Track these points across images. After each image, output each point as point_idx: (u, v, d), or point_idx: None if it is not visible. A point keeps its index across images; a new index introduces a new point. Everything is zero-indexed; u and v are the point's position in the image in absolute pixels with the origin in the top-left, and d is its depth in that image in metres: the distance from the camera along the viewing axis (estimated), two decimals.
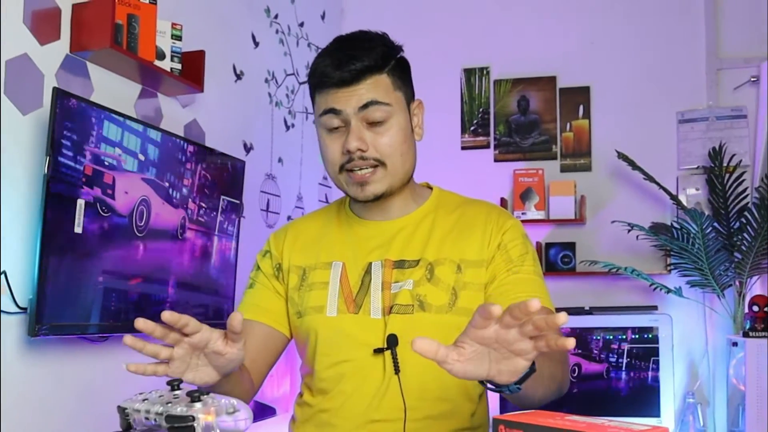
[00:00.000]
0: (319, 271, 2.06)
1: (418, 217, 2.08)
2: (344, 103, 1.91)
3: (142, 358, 3.29)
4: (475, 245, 2.00)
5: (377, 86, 1.93)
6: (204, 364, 1.65)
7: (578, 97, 5.47)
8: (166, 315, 1.51)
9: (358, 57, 1.91)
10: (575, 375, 4.78)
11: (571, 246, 5.25)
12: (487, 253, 1.99)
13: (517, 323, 1.32)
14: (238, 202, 3.86)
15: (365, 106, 1.91)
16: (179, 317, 1.53)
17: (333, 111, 1.93)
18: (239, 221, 3.88)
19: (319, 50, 2.02)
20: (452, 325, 1.91)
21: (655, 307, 5.06)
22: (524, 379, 1.46)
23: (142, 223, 3.15)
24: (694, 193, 5.18)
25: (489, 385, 1.52)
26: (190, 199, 3.45)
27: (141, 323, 1.51)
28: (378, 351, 1.93)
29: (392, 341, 1.90)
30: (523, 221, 5.03)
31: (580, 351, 4.79)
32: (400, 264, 2.00)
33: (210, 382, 1.66)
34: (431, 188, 2.18)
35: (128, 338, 1.55)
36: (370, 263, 2.02)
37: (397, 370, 1.89)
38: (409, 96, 2.05)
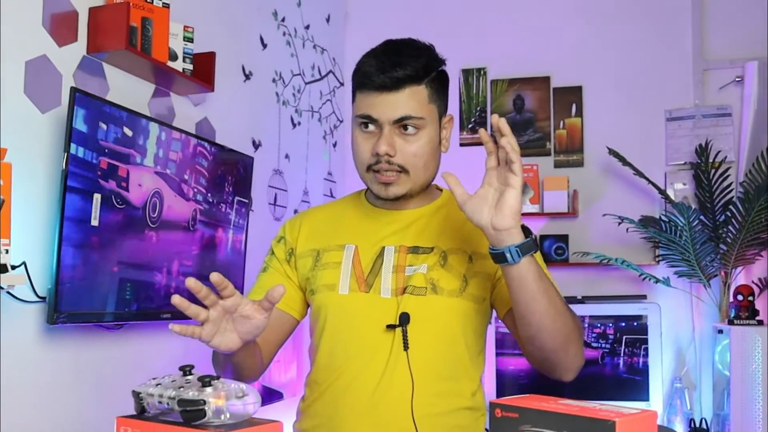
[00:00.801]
0: (332, 252, 2.07)
1: (431, 210, 2.10)
2: (380, 112, 1.93)
3: (156, 344, 3.30)
4: (485, 240, 1.99)
5: (414, 97, 1.94)
6: (230, 330, 1.68)
7: (571, 97, 5.46)
8: (215, 276, 1.62)
9: (402, 64, 1.92)
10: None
11: (564, 238, 5.25)
12: None
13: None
14: (247, 196, 3.85)
15: (400, 120, 1.92)
16: (223, 279, 1.62)
17: (369, 118, 1.94)
18: (248, 214, 3.88)
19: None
20: (462, 309, 1.97)
21: (644, 297, 5.07)
22: (524, 250, 1.73)
23: (155, 215, 3.15)
24: (681, 188, 5.17)
25: (491, 250, 1.76)
26: (201, 193, 3.45)
27: (192, 282, 1.62)
28: (390, 327, 1.94)
29: (404, 319, 1.93)
30: None
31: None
32: (414, 249, 2.02)
33: (233, 348, 1.69)
34: (440, 189, 2.19)
35: (176, 298, 1.66)
36: (383, 247, 2.04)
37: (406, 347, 1.90)
38: (443, 110, 2.05)
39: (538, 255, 1.83)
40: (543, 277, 1.79)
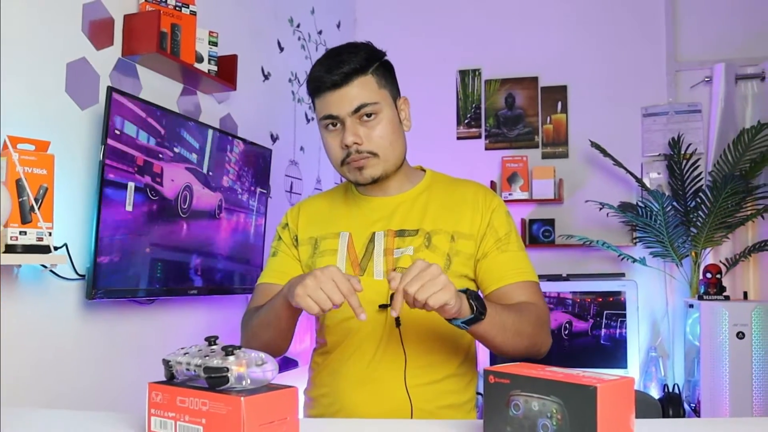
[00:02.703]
0: (329, 240, 2.07)
1: (414, 194, 2.08)
2: (338, 108, 1.93)
3: (184, 317, 3.30)
4: (467, 220, 2.01)
5: (364, 87, 1.93)
6: None
7: (557, 95, 5.46)
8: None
9: (345, 61, 1.92)
10: (567, 332, 4.81)
11: (550, 222, 5.24)
12: (477, 229, 2.00)
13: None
14: (265, 184, 3.85)
15: (357, 109, 1.92)
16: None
17: (330, 116, 1.95)
18: (267, 201, 3.87)
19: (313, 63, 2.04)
20: None
21: (622, 275, 5.07)
22: (470, 322, 1.69)
23: (185, 206, 3.15)
24: (656, 177, 5.17)
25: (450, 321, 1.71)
26: (225, 183, 3.44)
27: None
28: (383, 307, 1.94)
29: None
30: (509, 201, 5.13)
31: (568, 310, 4.80)
32: (401, 233, 2.00)
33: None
34: (424, 170, 2.18)
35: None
36: (374, 233, 2.02)
37: (398, 324, 1.90)
38: (395, 93, 2.04)
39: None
40: (498, 322, 1.77)
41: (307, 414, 2.09)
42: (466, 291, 1.69)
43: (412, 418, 1.89)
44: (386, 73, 2.02)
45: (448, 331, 1.91)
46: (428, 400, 1.93)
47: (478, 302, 1.70)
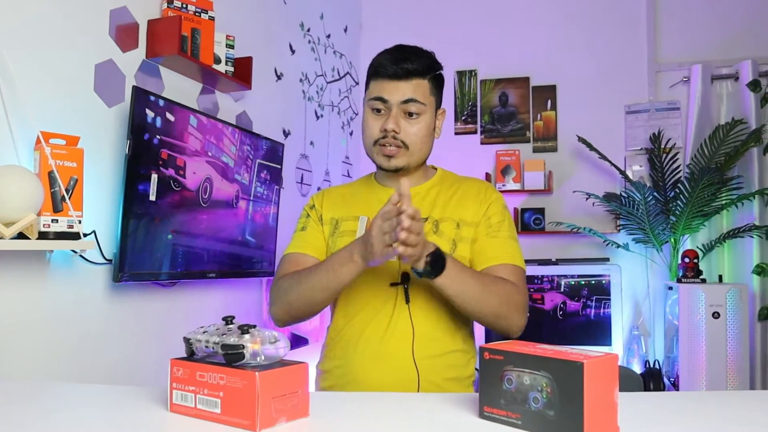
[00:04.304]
0: (349, 222, 2.10)
1: (427, 188, 2.12)
2: (391, 95, 1.98)
3: (203, 298, 3.30)
4: (471, 211, 2.05)
5: (418, 87, 2.00)
6: None
7: (547, 94, 5.45)
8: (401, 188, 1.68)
9: (411, 60, 1.98)
10: (561, 312, 4.82)
11: (541, 211, 5.24)
12: (478, 218, 2.04)
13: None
14: (278, 176, 3.84)
15: (407, 101, 1.98)
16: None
17: (381, 99, 2.00)
18: (279, 191, 3.87)
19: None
20: None
21: (607, 259, 5.07)
22: (422, 275, 1.76)
23: (206, 197, 3.15)
24: (638, 169, 5.16)
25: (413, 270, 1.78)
26: (241, 175, 3.44)
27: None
28: (394, 284, 1.98)
29: (405, 278, 1.97)
30: (503, 191, 5.13)
31: (562, 291, 4.81)
32: None
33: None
34: (436, 169, 2.21)
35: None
36: None
37: (407, 301, 1.95)
38: (438, 104, 2.10)
39: (454, 268, 1.82)
40: (457, 284, 1.82)
41: (320, 386, 2.10)
42: (434, 251, 1.75)
43: (419, 389, 1.91)
44: (438, 84, 2.08)
45: (453, 308, 1.92)
46: (435, 372, 1.95)
47: (435, 262, 1.75)
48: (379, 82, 2.00)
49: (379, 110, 2.00)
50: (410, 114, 1.98)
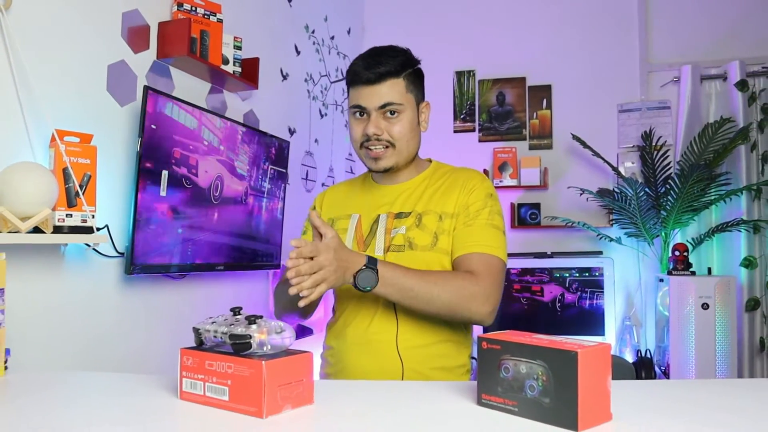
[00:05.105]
0: (342, 220, 2.11)
1: (417, 182, 2.10)
2: (368, 101, 1.97)
3: (212, 290, 3.29)
4: (452, 202, 2.02)
5: (393, 88, 1.97)
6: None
7: (542, 93, 5.44)
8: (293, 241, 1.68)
9: (383, 62, 1.96)
10: (560, 304, 4.82)
11: (537, 206, 5.23)
12: (459, 208, 2.01)
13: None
14: (284, 172, 3.84)
15: (383, 106, 1.96)
16: (299, 241, 1.69)
17: (359, 107, 1.99)
18: (285, 187, 3.87)
19: (354, 56, 2.06)
20: (434, 260, 1.97)
21: (600, 252, 5.07)
22: (359, 290, 1.77)
23: (217, 194, 3.15)
24: (630, 166, 5.16)
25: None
26: (250, 171, 3.44)
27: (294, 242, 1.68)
28: None
29: None
30: (500, 187, 5.13)
31: (561, 284, 4.81)
32: (399, 215, 2.03)
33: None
34: (431, 162, 2.19)
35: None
36: (379, 215, 2.06)
37: None
38: (419, 98, 2.07)
39: (395, 272, 1.82)
40: (398, 290, 1.81)
41: (323, 371, 2.12)
42: (366, 264, 1.76)
43: (403, 377, 1.91)
44: (416, 79, 2.05)
45: None
46: (419, 361, 1.94)
47: (364, 274, 1.76)
48: (356, 89, 1.99)
49: (360, 116, 2.00)
50: (391, 113, 1.97)
